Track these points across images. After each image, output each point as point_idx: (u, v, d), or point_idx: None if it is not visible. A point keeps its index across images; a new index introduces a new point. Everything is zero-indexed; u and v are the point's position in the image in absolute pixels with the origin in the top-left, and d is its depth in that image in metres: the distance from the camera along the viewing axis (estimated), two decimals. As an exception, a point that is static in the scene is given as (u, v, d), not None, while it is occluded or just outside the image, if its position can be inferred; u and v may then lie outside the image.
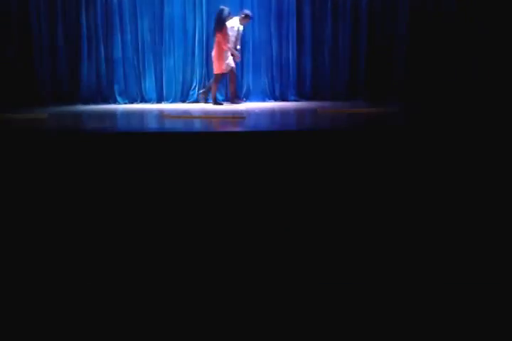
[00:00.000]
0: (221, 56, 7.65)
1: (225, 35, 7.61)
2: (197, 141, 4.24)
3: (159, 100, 8.54)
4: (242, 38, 8.58)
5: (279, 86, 8.73)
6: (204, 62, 8.56)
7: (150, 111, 6.47)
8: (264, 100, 8.63)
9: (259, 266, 2.55)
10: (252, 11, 8.50)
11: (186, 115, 5.81)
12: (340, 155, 4.03)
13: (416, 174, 3.75)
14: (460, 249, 2.71)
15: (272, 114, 6.20)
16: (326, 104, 7.67)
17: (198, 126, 5.02)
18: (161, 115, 5.67)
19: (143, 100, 8.53)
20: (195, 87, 8.59)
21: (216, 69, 7.73)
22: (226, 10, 7.68)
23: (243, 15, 7.81)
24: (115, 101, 8.36)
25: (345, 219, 3.17)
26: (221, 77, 7.87)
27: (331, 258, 2.64)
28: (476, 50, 8.03)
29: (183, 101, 8.58)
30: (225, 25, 7.61)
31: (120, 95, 8.47)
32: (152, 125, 5.25)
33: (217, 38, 7.62)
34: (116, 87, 8.43)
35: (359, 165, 3.89)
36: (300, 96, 8.64)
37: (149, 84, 8.54)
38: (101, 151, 4.01)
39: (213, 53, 7.75)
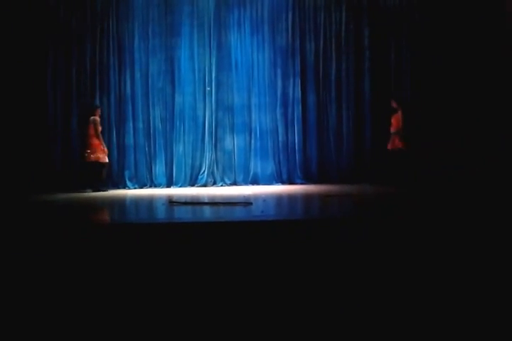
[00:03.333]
0: None
1: None
2: (203, 230, 4.16)
3: (169, 184, 8.50)
4: (250, 124, 8.85)
5: (286, 170, 8.77)
6: (213, 148, 8.74)
7: (159, 198, 6.49)
8: (271, 183, 8.65)
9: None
10: (258, 98, 8.83)
11: (193, 201, 5.78)
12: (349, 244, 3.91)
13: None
14: None
15: (278, 199, 6.19)
16: (332, 187, 7.65)
17: (204, 213, 4.99)
18: (169, 202, 5.65)
19: (152, 185, 8.50)
20: (204, 171, 8.67)
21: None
22: None
23: None
24: (125, 187, 8.31)
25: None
26: None
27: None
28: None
29: (192, 185, 8.58)
30: None
31: (130, 180, 8.46)
32: (160, 213, 5.22)
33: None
34: (126, 173, 8.42)
35: (371, 255, 3.75)
36: (307, 180, 8.66)
37: (159, 170, 8.55)
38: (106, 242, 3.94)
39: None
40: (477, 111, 8.00)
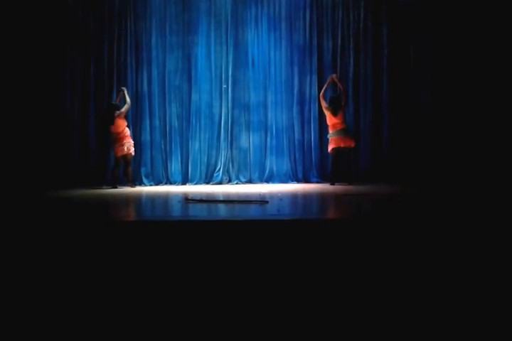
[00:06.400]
0: None
1: None
2: (218, 229, 4.07)
3: (184, 182, 8.42)
4: (266, 122, 8.73)
5: (301, 168, 8.63)
6: (229, 146, 8.64)
7: (174, 195, 6.42)
8: (286, 182, 8.52)
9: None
10: (275, 96, 8.70)
11: (209, 199, 5.69)
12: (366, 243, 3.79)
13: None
14: None
15: (294, 197, 6.07)
16: (349, 186, 7.49)
17: (220, 211, 4.89)
18: (184, 199, 5.56)
19: (168, 182, 8.45)
20: (220, 169, 8.58)
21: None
22: None
23: None
24: (141, 183, 8.25)
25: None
26: None
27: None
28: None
29: (207, 182, 8.49)
30: None
31: (146, 177, 8.40)
32: (175, 210, 5.14)
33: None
34: (143, 170, 8.37)
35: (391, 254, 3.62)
36: (322, 178, 8.52)
37: (175, 167, 8.47)
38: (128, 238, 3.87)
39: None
40: (500, 111, 7.78)
